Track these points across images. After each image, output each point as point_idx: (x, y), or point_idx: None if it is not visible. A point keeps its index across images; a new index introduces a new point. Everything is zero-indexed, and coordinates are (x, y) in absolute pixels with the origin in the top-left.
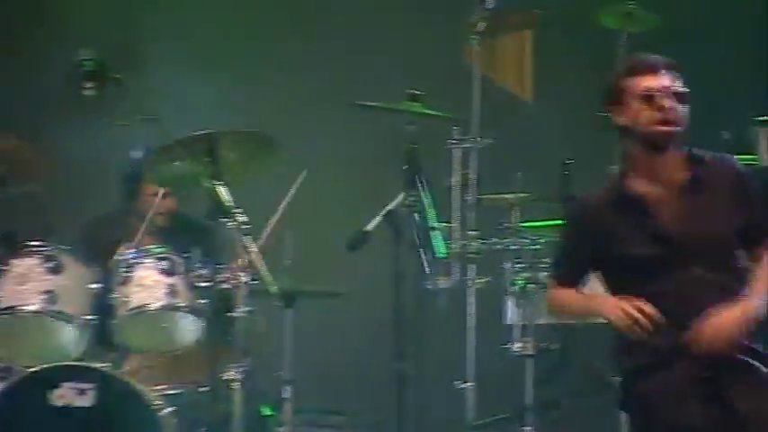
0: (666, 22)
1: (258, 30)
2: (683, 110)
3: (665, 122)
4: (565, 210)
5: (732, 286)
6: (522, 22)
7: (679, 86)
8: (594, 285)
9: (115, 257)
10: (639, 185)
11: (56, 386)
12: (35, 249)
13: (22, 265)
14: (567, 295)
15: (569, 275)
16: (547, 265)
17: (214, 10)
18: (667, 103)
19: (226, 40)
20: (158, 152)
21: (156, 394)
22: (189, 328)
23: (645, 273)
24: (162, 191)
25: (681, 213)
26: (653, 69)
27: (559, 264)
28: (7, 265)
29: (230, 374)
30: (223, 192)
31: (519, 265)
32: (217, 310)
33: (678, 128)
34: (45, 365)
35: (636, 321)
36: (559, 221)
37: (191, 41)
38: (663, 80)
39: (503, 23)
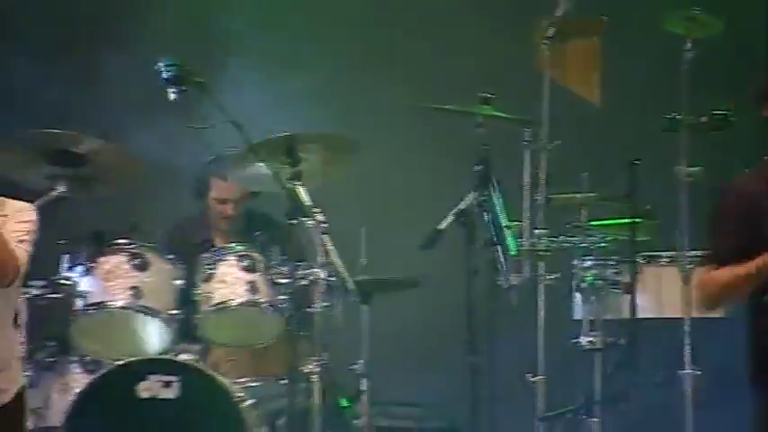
0: (730, 26)
1: (334, 34)
2: None
3: None
4: (720, 198)
5: None
6: (589, 27)
7: None
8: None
9: (199, 255)
10: None
11: (142, 379)
12: (122, 247)
13: (109, 262)
14: (721, 273)
15: (725, 262)
16: (614, 263)
17: (290, 15)
18: None
19: (302, 43)
20: (239, 154)
21: (238, 387)
22: (269, 324)
23: None
24: (226, 197)
25: None
26: None
27: (716, 251)
28: (95, 262)
29: (309, 367)
30: (302, 191)
31: (587, 263)
32: (296, 305)
33: None
34: (131, 359)
35: None
36: (626, 220)
37: (269, 46)
38: None
39: (571, 29)
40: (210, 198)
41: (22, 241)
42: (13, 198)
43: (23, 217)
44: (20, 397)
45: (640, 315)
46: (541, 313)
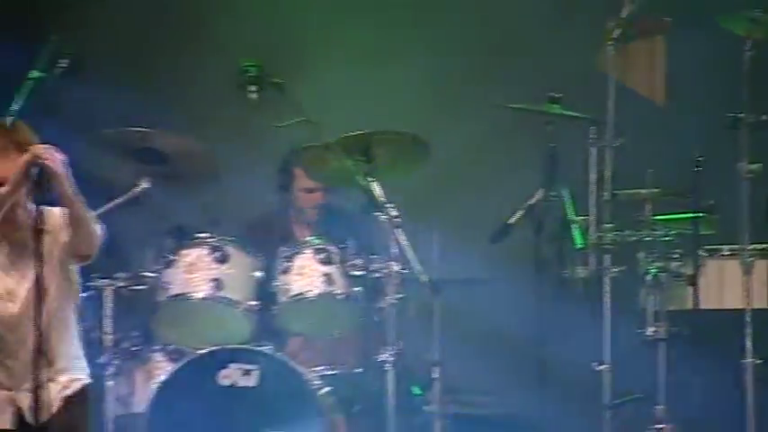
0: None
1: (409, 35)
2: None
3: None
4: None
5: None
6: (654, 28)
7: None
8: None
9: (278, 248)
10: None
11: (223, 367)
12: (203, 240)
13: (191, 255)
14: None
15: None
16: (678, 256)
17: (365, 18)
18: None
19: (378, 43)
20: (316, 151)
21: (315, 375)
22: (344, 314)
23: None
24: (314, 186)
25: None
26: None
27: None
28: (178, 255)
29: (383, 356)
30: (376, 187)
31: (652, 256)
32: (370, 297)
33: None
34: (212, 348)
35: None
36: (689, 215)
37: (345, 47)
38: None
39: (636, 30)
40: (297, 189)
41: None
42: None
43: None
44: (83, 390)
45: (703, 306)
46: (607, 304)
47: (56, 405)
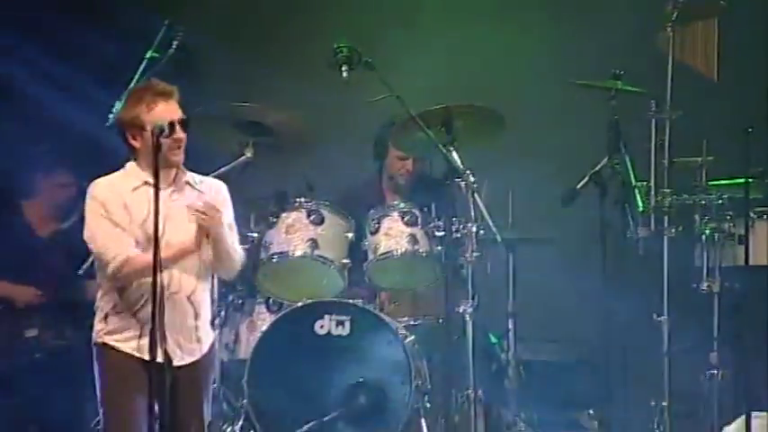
0: None
1: (485, 22)
2: None
3: None
4: None
5: None
6: (709, 10)
7: None
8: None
9: (368, 211)
10: None
11: (318, 318)
12: (301, 204)
13: (290, 217)
14: None
15: None
16: (730, 217)
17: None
18: None
19: (455, 26)
20: (402, 124)
21: (401, 325)
22: (427, 270)
23: None
24: (407, 155)
25: None
26: None
27: None
28: (278, 217)
29: (463, 308)
30: (456, 156)
31: (706, 217)
32: (451, 255)
33: None
34: (309, 301)
35: None
36: (740, 180)
37: (428, 31)
38: None
39: (693, 12)
40: (392, 156)
41: (231, 227)
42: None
43: (227, 200)
44: (212, 347)
45: (753, 263)
46: (666, 262)
47: (198, 352)
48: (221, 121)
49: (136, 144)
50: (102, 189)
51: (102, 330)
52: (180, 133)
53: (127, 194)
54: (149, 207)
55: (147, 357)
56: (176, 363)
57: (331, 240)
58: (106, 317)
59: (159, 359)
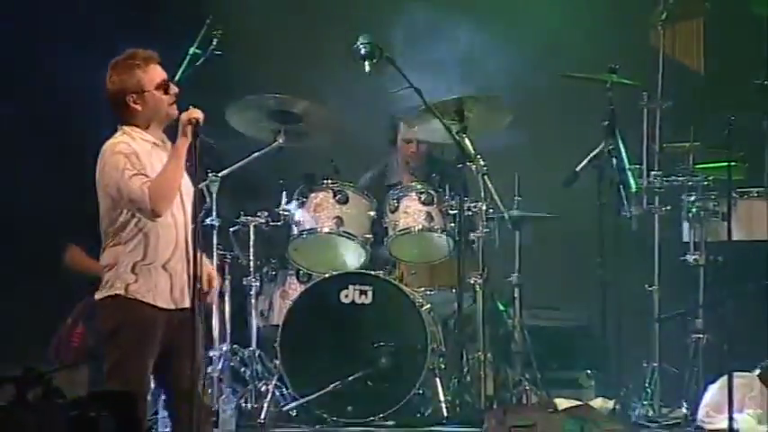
0: None
1: (495, 21)
2: None
3: None
4: None
5: None
6: (695, 11)
7: None
8: None
9: (388, 192)
10: None
11: (343, 288)
12: (328, 185)
13: (318, 197)
14: None
15: None
16: (714, 197)
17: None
18: None
19: (470, 23)
20: (419, 112)
21: (418, 294)
22: (442, 245)
23: None
24: (413, 139)
25: None
26: None
27: None
28: (307, 197)
29: (474, 279)
30: (467, 141)
31: (693, 197)
32: (463, 231)
33: None
34: (335, 272)
35: None
36: (723, 164)
37: (443, 28)
38: None
39: (680, 13)
40: (399, 140)
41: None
42: None
43: None
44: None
45: (735, 238)
46: (656, 237)
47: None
48: (256, 111)
49: (137, 107)
50: (122, 147)
51: (130, 285)
52: (174, 88)
53: (144, 154)
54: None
55: (172, 307)
56: (183, 306)
57: (355, 218)
58: (134, 269)
59: (182, 305)
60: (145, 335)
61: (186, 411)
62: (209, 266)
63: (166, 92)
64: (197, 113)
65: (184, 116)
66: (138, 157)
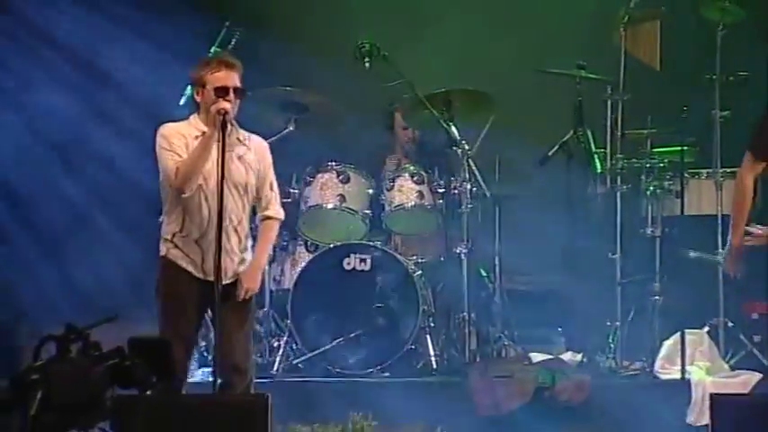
0: (751, 15)
1: (481, 24)
2: None
3: None
4: None
5: None
6: (653, 15)
7: None
8: None
9: (385, 172)
10: None
11: (346, 256)
12: (332, 167)
13: (323, 177)
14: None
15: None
16: (669, 177)
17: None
18: None
19: (459, 23)
20: (411, 103)
21: (411, 262)
22: (431, 219)
23: None
24: (408, 127)
25: None
26: None
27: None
28: (314, 177)
29: (459, 249)
30: (454, 129)
31: (650, 177)
32: (450, 207)
33: None
34: (339, 243)
35: None
36: (677, 148)
37: (434, 27)
38: None
39: (640, 16)
40: (397, 127)
41: (271, 185)
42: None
43: (269, 159)
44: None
45: (686, 213)
46: (618, 212)
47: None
48: (270, 102)
49: (198, 99)
50: (168, 130)
51: (170, 250)
52: (231, 96)
53: (190, 139)
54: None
55: (202, 277)
56: (225, 282)
57: (356, 195)
58: (173, 236)
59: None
60: (179, 293)
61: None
62: (244, 273)
63: (221, 96)
64: (224, 105)
65: (213, 108)
66: (181, 139)
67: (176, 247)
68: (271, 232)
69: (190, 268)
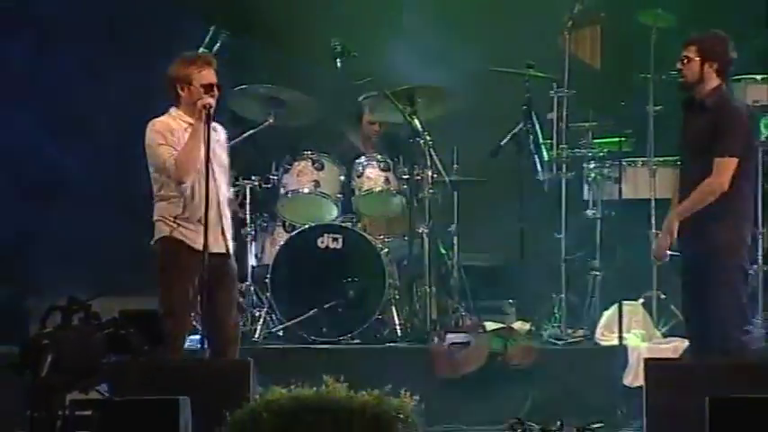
0: (681, 21)
1: (442, 31)
2: None
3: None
4: (738, 111)
5: None
6: (594, 20)
7: None
8: None
9: (355, 161)
10: None
11: (320, 236)
12: (308, 156)
13: (299, 165)
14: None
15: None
16: (608, 165)
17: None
18: None
19: (412, 29)
20: (378, 98)
21: (378, 241)
22: (397, 202)
23: None
24: (375, 120)
25: None
26: None
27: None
28: (291, 165)
29: (422, 229)
30: (417, 122)
31: (592, 165)
32: (413, 192)
33: None
34: (313, 224)
35: None
36: (616, 139)
37: (398, 29)
38: None
39: (583, 20)
40: (365, 121)
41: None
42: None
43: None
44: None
45: (624, 197)
46: (563, 196)
47: (225, 247)
48: (251, 98)
49: (183, 94)
50: (159, 126)
51: (173, 230)
52: (216, 92)
53: (180, 132)
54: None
55: (210, 250)
56: (220, 251)
57: (329, 181)
58: (176, 218)
59: (215, 250)
60: (185, 269)
61: (220, 335)
62: None
63: (208, 92)
64: (210, 100)
65: (199, 103)
66: (173, 133)
67: (180, 226)
68: None
69: (194, 245)
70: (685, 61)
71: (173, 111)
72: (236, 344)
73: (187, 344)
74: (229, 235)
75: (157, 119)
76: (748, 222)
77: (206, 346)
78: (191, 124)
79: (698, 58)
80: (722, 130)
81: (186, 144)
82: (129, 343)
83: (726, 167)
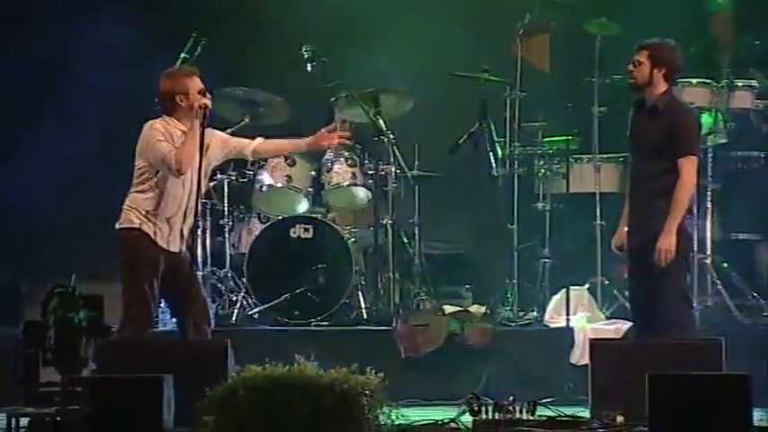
0: (624, 29)
1: (410, 34)
2: None
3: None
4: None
5: None
6: (543, 29)
7: None
8: None
9: (323, 157)
10: None
11: (292, 227)
12: None
13: (273, 161)
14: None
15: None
16: (557, 161)
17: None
18: None
19: (377, 36)
20: (345, 100)
21: (346, 231)
22: (362, 195)
23: None
24: (343, 119)
25: None
26: None
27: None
28: (266, 161)
29: (386, 220)
30: (381, 121)
31: (542, 161)
32: (378, 185)
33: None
34: (287, 216)
35: None
36: (563, 138)
37: (366, 35)
38: None
39: (534, 29)
40: (337, 120)
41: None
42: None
43: (215, 132)
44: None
45: (571, 191)
46: (516, 190)
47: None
48: (228, 99)
49: (182, 104)
50: (159, 125)
51: (143, 223)
52: (209, 95)
53: (175, 137)
54: None
55: (165, 247)
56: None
57: (301, 176)
58: (147, 213)
59: (172, 249)
60: (152, 262)
61: (191, 316)
62: None
63: (202, 96)
64: (206, 101)
65: (197, 104)
66: (171, 135)
67: (149, 221)
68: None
69: (159, 241)
70: (636, 64)
71: (167, 118)
72: (207, 307)
73: (170, 327)
74: (185, 237)
75: (155, 120)
76: (690, 214)
77: (180, 322)
78: (184, 132)
79: (648, 63)
80: (679, 132)
81: (186, 140)
82: (101, 327)
83: (691, 165)
